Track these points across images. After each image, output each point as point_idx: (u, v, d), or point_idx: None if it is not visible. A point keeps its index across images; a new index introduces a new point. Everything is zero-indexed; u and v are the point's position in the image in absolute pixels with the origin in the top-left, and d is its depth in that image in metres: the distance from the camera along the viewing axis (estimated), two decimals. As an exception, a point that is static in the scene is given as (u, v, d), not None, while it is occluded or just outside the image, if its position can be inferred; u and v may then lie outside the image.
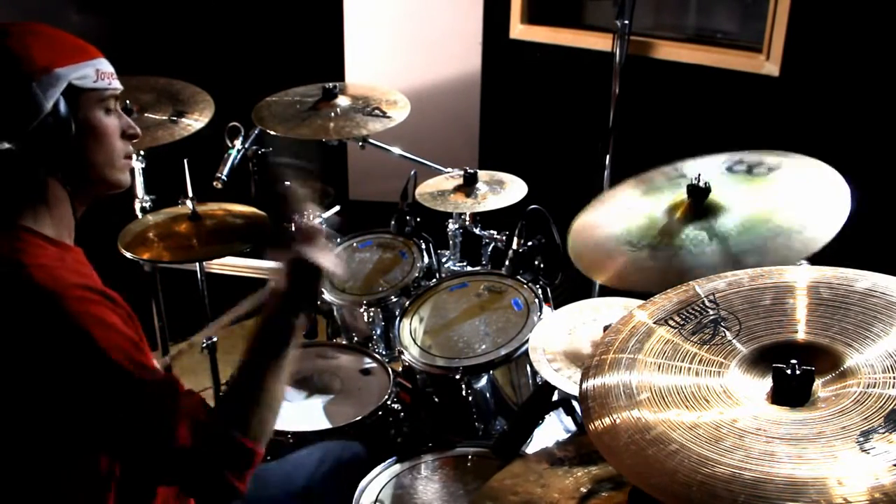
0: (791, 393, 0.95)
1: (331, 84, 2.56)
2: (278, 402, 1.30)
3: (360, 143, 2.58)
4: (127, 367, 1.15)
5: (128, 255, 2.21)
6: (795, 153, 1.64)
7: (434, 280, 2.26)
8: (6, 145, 1.23)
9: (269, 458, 1.86)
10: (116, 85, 1.34)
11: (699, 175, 1.58)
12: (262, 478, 1.37)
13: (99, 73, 1.31)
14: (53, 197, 1.29)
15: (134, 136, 1.37)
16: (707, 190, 1.56)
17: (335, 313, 2.37)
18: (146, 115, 2.43)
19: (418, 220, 2.41)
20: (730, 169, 1.66)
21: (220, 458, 1.19)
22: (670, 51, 3.10)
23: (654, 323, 1.12)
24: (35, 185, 1.28)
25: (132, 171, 1.38)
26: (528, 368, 1.95)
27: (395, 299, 2.24)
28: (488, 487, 1.27)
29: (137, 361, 1.17)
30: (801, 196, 1.54)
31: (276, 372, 1.31)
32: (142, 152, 2.47)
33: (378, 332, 2.28)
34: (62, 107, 1.25)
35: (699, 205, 1.56)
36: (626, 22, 2.64)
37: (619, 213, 1.68)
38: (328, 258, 1.45)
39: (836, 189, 1.49)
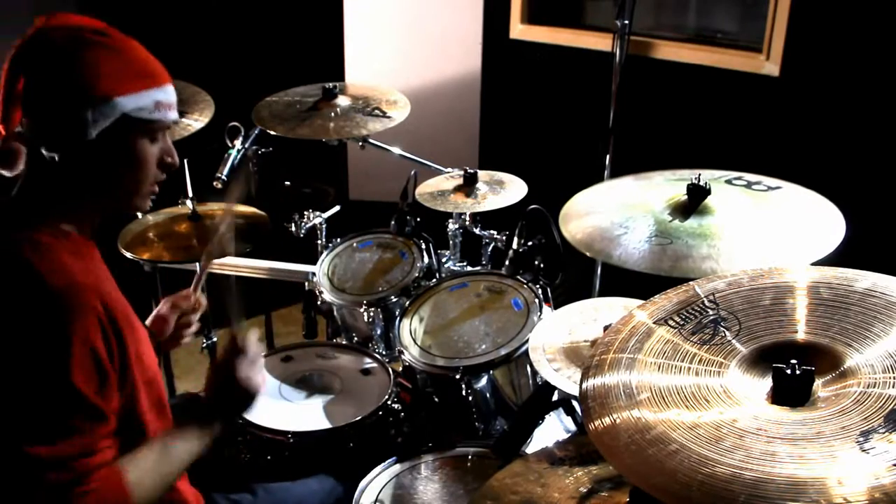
0: (791, 393, 0.95)
1: (331, 84, 2.56)
2: (172, 478, 1.33)
3: (360, 143, 2.58)
4: (76, 376, 1.16)
5: (128, 255, 2.21)
6: (796, 183, 1.64)
7: (434, 280, 2.26)
8: (46, 154, 1.24)
9: (268, 457, 1.87)
10: (172, 117, 1.32)
11: (699, 175, 1.58)
12: None
13: (158, 104, 1.29)
14: (77, 204, 1.30)
15: (171, 166, 1.36)
16: (707, 191, 1.56)
17: (335, 313, 2.37)
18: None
19: (418, 220, 2.40)
20: (729, 182, 1.66)
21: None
22: (670, 51, 3.10)
23: (654, 323, 1.12)
24: (63, 193, 1.28)
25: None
26: (528, 368, 1.95)
27: (395, 299, 2.24)
28: (488, 487, 1.27)
29: (90, 378, 1.19)
30: (795, 219, 1.53)
31: (181, 457, 1.33)
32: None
33: (378, 332, 2.28)
34: (110, 134, 1.24)
35: (695, 205, 1.56)
36: (626, 22, 2.64)
37: (615, 199, 1.69)
38: (255, 378, 1.45)
39: (830, 220, 1.50)
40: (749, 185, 1.65)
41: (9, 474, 1.16)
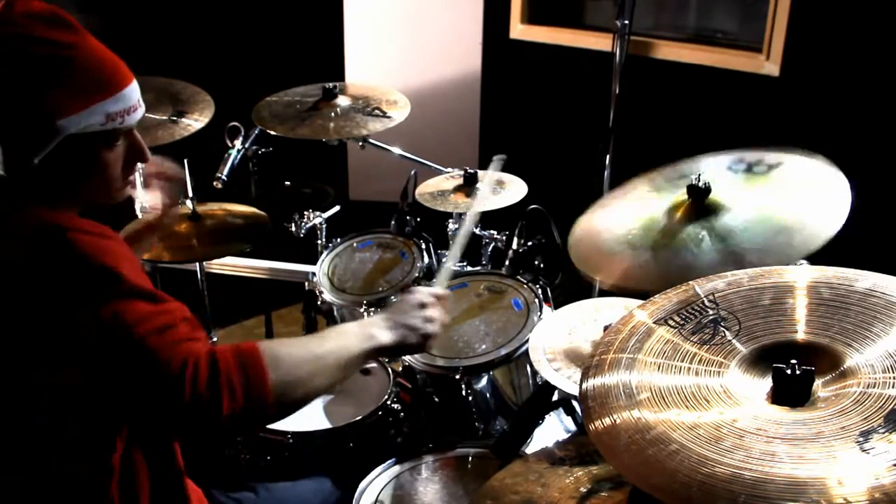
0: (791, 393, 0.95)
1: (331, 84, 2.56)
2: (315, 370, 1.25)
3: (360, 143, 2.58)
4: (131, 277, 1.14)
5: (128, 255, 2.21)
6: (794, 150, 1.63)
7: (434, 280, 2.26)
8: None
9: (268, 457, 1.87)
10: (130, 122, 1.27)
11: (699, 175, 1.58)
12: None
13: (109, 116, 1.23)
14: (55, 198, 1.27)
15: (140, 160, 1.32)
16: (707, 190, 1.56)
17: (335, 313, 2.37)
18: (146, 115, 2.43)
19: (418, 220, 2.40)
20: (730, 168, 1.66)
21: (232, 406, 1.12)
22: (670, 51, 3.10)
23: (654, 323, 1.11)
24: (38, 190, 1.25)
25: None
26: (528, 368, 1.95)
27: (395, 299, 2.24)
28: (489, 486, 1.27)
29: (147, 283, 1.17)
30: (801, 193, 1.53)
31: (330, 348, 1.28)
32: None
33: (378, 332, 2.28)
34: (57, 154, 1.20)
35: (700, 204, 1.56)
36: (626, 22, 2.64)
37: (620, 216, 1.68)
38: (437, 319, 1.43)
39: (835, 185, 1.49)
40: (749, 167, 1.64)
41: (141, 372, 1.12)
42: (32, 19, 1.19)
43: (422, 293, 1.44)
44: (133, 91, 1.29)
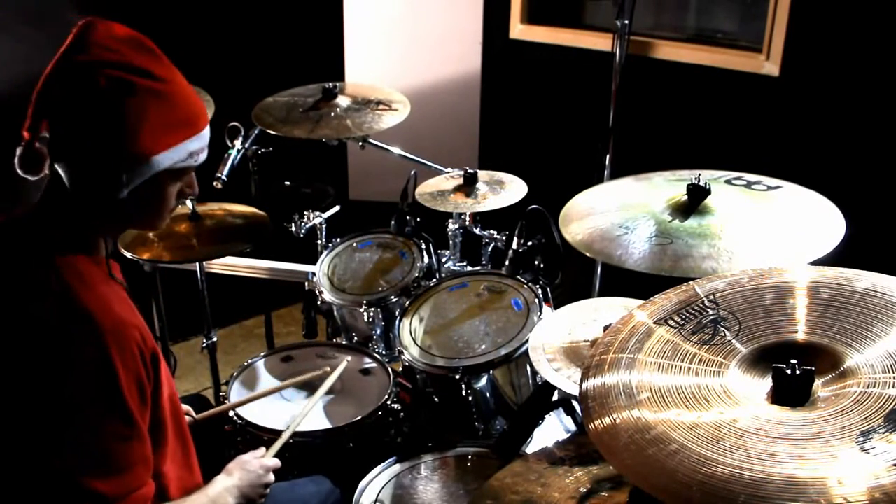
0: (791, 393, 0.95)
1: (331, 84, 2.56)
2: None
3: (360, 143, 2.58)
4: (132, 407, 1.19)
5: (128, 255, 2.21)
6: (795, 182, 1.64)
7: (434, 280, 2.26)
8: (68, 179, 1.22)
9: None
10: (201, 160, 1.31)
11: (699, 175, 1.58)
12: None
13: (191, 153, 1.27)
14: (102, 224, 1.30)
15: (190, 195, 1.36)
16: (707, 191, 1.56)
17: (335, 313, 2.37)
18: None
19: (418, 220, 2.41)
20: (729, 182, 1.66)
21: None
22: (670, 51, 3.10)
23: (654, 323, 1.12)
24: (89, 214, 1.28)
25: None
26: (528, 368, 1.95)
27: (395, 299, 2.25)
28: (489, 486, 1.28)
29: (139, 408, 1.21)
30: (794, 220, 1.53)
31: None
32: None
33: (378, 332, 2.28)
34: (141, 187, 1.24)
35: (695, 205, 1.56)
36: (626, 22, 2.64)
37: (615, 200, 1.70)
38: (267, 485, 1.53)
39: (831, 224, 1.49)
40: (749, 184, 1.65)
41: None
42: (126, 45, 1.20)
43: (262, 468, 1.53)
44: (207, 133, 1.32)
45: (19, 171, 1.23)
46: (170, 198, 1.32)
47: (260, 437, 1.86)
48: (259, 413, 1.91)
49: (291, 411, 1.95)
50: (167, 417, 1.33)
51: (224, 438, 1.92)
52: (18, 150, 1.21)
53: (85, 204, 1.25)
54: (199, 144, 1.29)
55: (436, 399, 2.04)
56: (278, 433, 1.84)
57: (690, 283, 1.18)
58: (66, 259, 1.22)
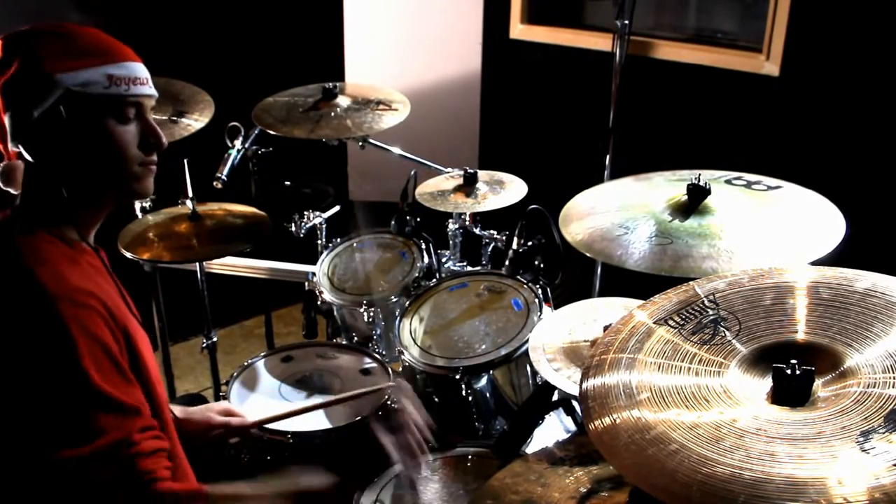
0: (791, 393, 0.95)
1: (331, 84, 2.56)
2: None
3: (360, 143, 2.58)
4: (94, 375, 1.15)
5: (128, 255, 2.21)
6: (795, 182, 1.64)
7: (434, 280, 2.26)
8: (15, 150, 1.26)
9: (268, 457, 1.87)
10: (137, 91, 1.30)
11: (699, 175, 1.58)
12: None
13: (113, 78, 1.27)
14: (77, 200, 1.31)
15: (157, 145, 1.34)
16: (707, 191, 1.56)
17: (335, 313, 2.37)
18: (146, 114, 2.43)
19: (418, 220, 2.40)
20: (729, 182, 1.66)
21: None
22: (670, 51, 3.10)
23: (654, 323, 1.11)
24: (54, 188, 1.29)
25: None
26: (528, 368, 1.95)
27: (395, 299, 2.24)
28: (489, 486, 1.27)
29: (111, 378, 1.18)
30: (794, 220, 1.53)
31: None
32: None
33: (378, 332, 2.28)
34: (57, 113, 1.24)
35: (695, 205, 1.56)
36: (626, 22, 2.64)
37: (615, 199, 1.70)
38: None
39: (831, 224, 1.49)
40: (749, 184, 1.65)
41: (48, 484, 1.15)
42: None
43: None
44: (139, 67, 1.32)
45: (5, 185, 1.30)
46: (125, 143, 1.30)
47: (260, 436, 1.86)
48: (259, 413, 1.91)
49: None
50: (161, 401, 1.32)
51: (223, 438, 1.91)
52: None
53: (39, 165, 1.27)
54: (119, 71, 1.28)
55: (436, 399, 2.04)
56: (280, 433, 1.84)
57: (690, 283, 1.18)
58: (24, 238, 1.24)
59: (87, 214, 1.34)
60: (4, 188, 1.30)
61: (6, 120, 1.26)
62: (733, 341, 1.05)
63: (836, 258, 1.30)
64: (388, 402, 1.88)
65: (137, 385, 1.24)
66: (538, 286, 2.10)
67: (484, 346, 1.97)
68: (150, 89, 1.33)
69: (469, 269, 2.45)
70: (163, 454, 1.24)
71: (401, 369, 2.10)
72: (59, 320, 1.15)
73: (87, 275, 1.26)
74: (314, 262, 2.45)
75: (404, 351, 2.02)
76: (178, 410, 1.65)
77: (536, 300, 2.04)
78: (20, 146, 1.26)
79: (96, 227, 1.37)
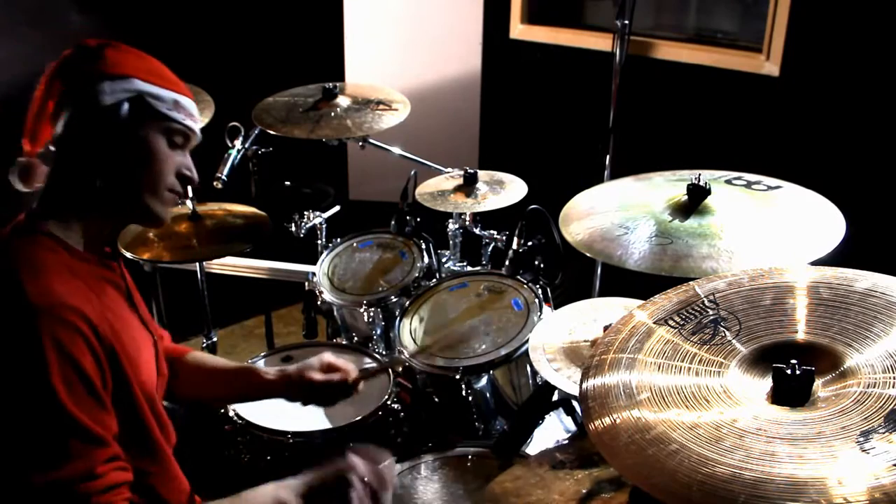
0: (791, 393, 0.95)
1: (331, 84, 2.56)
2: None
3: (360, 143, 2.58)
4: (63, 397, 1.13)
5: (128, 255, 2.21)
6: (795, 182, 1.64)
7: (434, 280, 2.26)
8: (60, 128, 1.26)
9: (268, 457, 1.87)
10: (192, 125, 1.36)
11: (699, 175, 1.58)
12: None
13: (178, 105, 1.33)
14: (90, 210, 1.30)
15: (189, 180, 1.38)
16: (707, 191, 1.56)
17: (335, 313, 2.37)
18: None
19: (418, 220, 2.41)
20: (729, 182, 1.66)
21: None
22: (670, 51, 3.10)
23: (654, 323, 1.11)
24: (79, 189, 1.28)
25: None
26: (528, 368, 1.95)
27: (395, 299, 2.24)
28: (490, 490, 1.28)
29: (82, 401, 1.15)
30: (794, 220, 1.53)
31: None
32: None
33: (378, 332, 2.28)
34: (123, 111, 1.27)
35: (695, 205, 1.56)
36: (626, 22, 2.64)
37: (615, 199, 1.70)
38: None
39: (831, 224, 1.49)
40: (749, 184, 1.65)
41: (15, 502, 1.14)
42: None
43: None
44: (194, 105, 1.38)
45: (16, 182, 1.29)
46: (162, 158, 1.32)
47: (260, 436, 1.86)
48: (259, 413, 1.91)
49: (291, 411, 1.95)
50: (149, 424, 1.31)
51: (224, 438, 1.91)
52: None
53: (74, 158, 1.27)
54: (185, 102, 1.34)
55: (436, 399, 2.04)
56: (280, 433, 1.84)
57: (690, 283, 1.18)
58: (24, 243, 1.23)
59: (99, 225, 1.32)
60: (17, 186, 1.29)
61: (64, 112, 1.26)
62: (733, 341, 1.05)
63: (836, 258, 1.30)
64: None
65: (111, 412, 1.21)
66: (538, 286, 2.10)
67: (484, 346, 1.98)
68: (198, 130, 1.40)
69: (469, 269, 2.46)
70: (124, 488, 1.21)
71: (401, 369, 2.10)
72: (35, 334, 1.12)
73: (79, 288, 1.23)
74: (314, 262, 2.45)
75: (404, 351, 2.02)
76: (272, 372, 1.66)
77: (536, 300, 2.04)
78: (54, 143, 1.27)
79: (103, 241, 1.35)
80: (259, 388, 1.67)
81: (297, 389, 1.66)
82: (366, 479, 1.34)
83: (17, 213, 1.30)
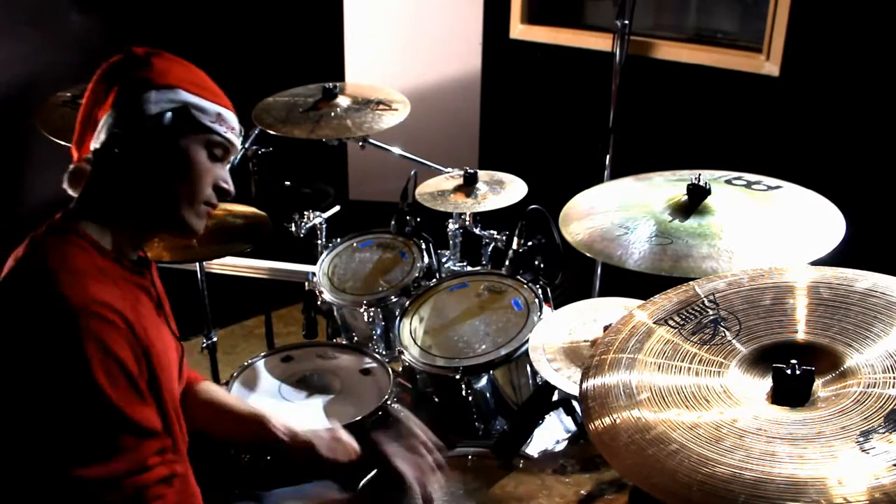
0: (791, 393, 0.95)
1: (331, 84, 2.56)
2: None
3: (360, 143, 2.58)
4: (109, 392, 1.14)
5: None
6: (795, 182, 1.64)
7: (434, 280, 2.26)
8: (104, 134, 1.27)
9: (268, 457, 1.87)
10: (233, 139, 1.36)
11: (699, 175, 1.58)
12: None
13: (221, 118, 1.34)
14: (125, 216, 1.30)
15: (226, 193, 1.38)
16: (707, 191, 1.56)
17: (335, 313, 2.37)
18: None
19: (418, 220, 2.40)
20: (729, 182, 1.66)
21: None
22: (670, 51, 3.10)
23: (654, 323, 1.12)
24: (117, 195, 1.29)
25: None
26: (528, 368, 1.95)
27: (395, 299, 2.24)
28: (491, 494, 1.28)
29: (127, 396, 1.16)
30: (794, 220, 1.53)
31: None
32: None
33: (378, 332, 2.28)
34: (166, 120, 1.27)
35: (695, 205, 1.56)
36: (626, 22, 2.64)
37: (615, 199, 1.70)
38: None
39: (831, 224, 1.49)
40: (749, 184, 1.65)
41: (63, 500, 1.14)
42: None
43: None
44: (237, 122, 1.39)
45: (69, 189, 1.31)
46: (201, 171, 1.32)
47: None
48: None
49: (291, 411, 1.95)
50: (173, 420, 1.31)
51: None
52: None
53: (113, 159, 1.27)
54: (228, 116, 1.36)
55: (436, 399, 2.04)
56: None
57: (690, 283, 1.18)
58: (56, 242, 1.23)
59: (132, 231, 1.32)
60: (68, 190, 1.30)
61: (106, 116, 1.27)
62: (733, 341, 1.05)
63: (836, 258, 1.30)
64: (389, 411, 1.85)
65: (153, 405, 1.23)
66: (538, 286, 2.10)
67: (484, 346, 1.98)
68: (238, 145, 1.40)
69: (469, 269, 2.45)
70: (174, 479, 1.23)
71: (401, 369, 2.10)
72: (75, 332, 1.13)
73: (112, 288, 1.23)
74: (314, 262, 2.44)
75: (404, 351, 2.02)
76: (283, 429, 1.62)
77: (536, 300, 2.04)
78: (98, 146, 1.28)
79: (133, 247, 1.35)
80: (265, 440, 1.63)
81: (303, 456, 1.64)
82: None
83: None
